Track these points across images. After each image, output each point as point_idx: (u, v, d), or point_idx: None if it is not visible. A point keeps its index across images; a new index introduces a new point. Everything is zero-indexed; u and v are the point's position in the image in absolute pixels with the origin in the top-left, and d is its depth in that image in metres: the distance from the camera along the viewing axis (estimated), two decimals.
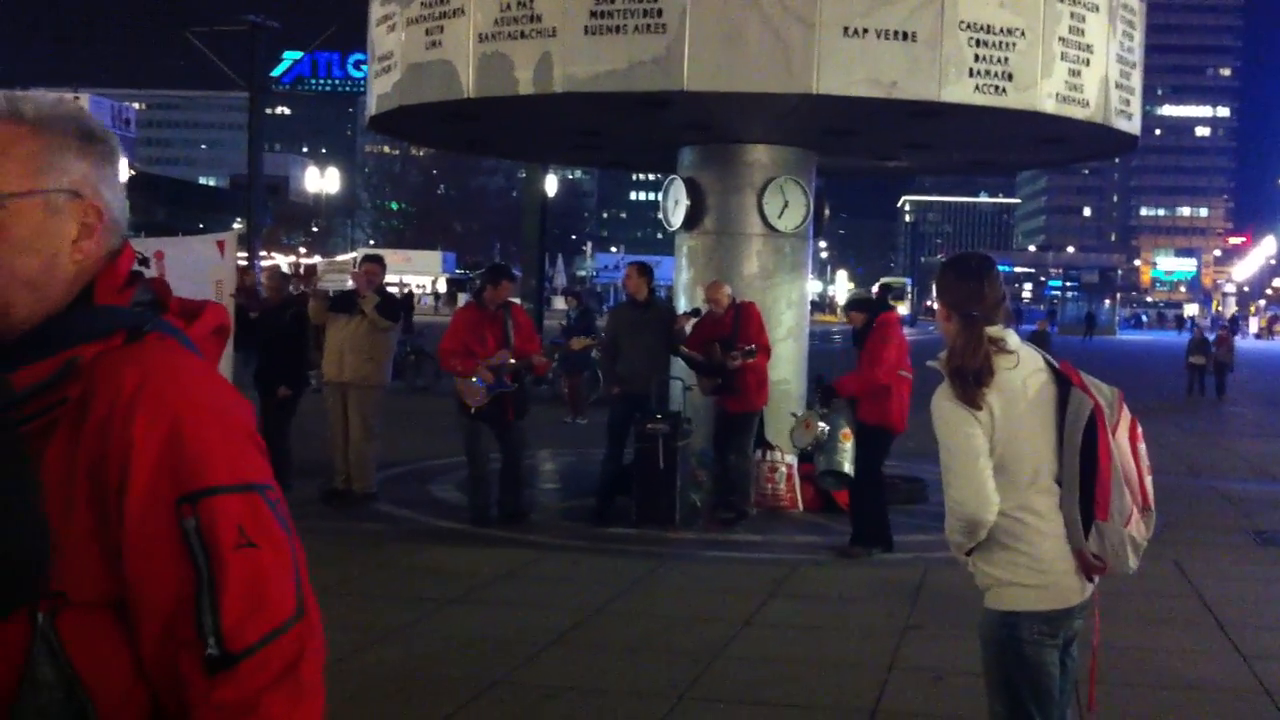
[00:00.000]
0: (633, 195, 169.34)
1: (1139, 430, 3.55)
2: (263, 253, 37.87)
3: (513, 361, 9.76)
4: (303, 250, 72.03)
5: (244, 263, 22.03)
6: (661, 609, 7.69)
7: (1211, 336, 28.97)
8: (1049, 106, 9.95)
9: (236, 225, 54.62)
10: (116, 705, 1.42)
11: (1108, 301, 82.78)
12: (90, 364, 1.44)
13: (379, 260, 11.63)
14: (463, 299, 67.91)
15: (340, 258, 42.42)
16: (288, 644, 1.42)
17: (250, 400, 1.58)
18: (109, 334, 1.47)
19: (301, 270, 14.05)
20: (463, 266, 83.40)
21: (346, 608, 7.30)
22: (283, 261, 53.37)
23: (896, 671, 6.45)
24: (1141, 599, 7.83)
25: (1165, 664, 6.79)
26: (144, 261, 1.58)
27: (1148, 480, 3.51)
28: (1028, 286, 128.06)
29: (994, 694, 3.60)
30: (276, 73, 57.21)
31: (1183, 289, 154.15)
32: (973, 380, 3.42)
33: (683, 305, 11.51)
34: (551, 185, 30.85)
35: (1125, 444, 3.48)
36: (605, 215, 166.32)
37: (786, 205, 11.41)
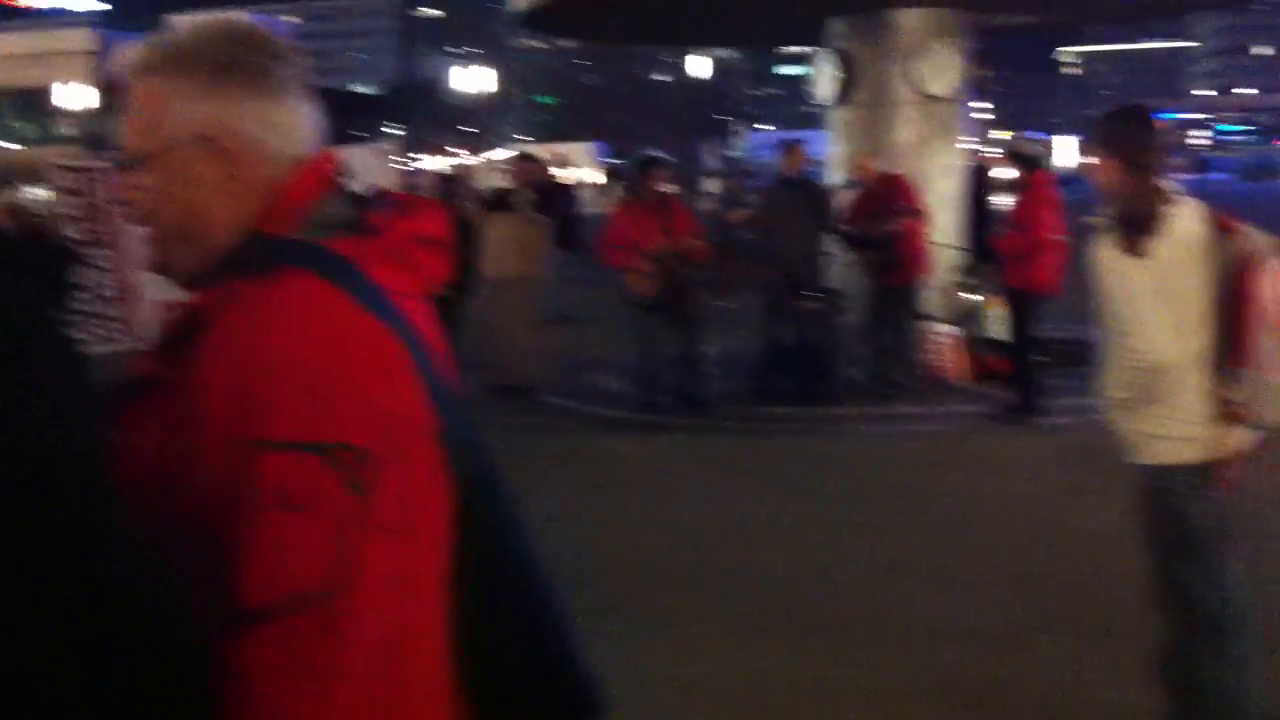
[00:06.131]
0: (781, 70, 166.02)
1: None
2: (422, 155, 38.44)
3: (674, 251, 9.81)
4: (460, 151, 72.81)
5: (407, 166, 22.44)
6: (826, 487, 7.76)
7: None
8: None
9: (396, 130, 55.60)
10: None
11: None
12: (210, 305, 1.40)
13: (534, 159, 11.85)
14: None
15: (497, 156, 42.89)
16: (305, 619, 1.28)
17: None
18: (240, 273, 1.41)
19: (459, 171, 14.34)
20: (617, 155, 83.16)
21: (531, 498, 7.56)
22: (443, 163, 54.17)
23: (1059, 535, 6.47)
24: None
25: None
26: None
27: None
28: (1201, 133, 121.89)
29: (1150, 550, 3.63)
30: None
31: None
32: (1140, 228, 3.42)
33: (838, 179, 11.42)
34: (702, 68, 30.57)
35: (1275, 293, 3.42)
36: (755, 94, 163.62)
37: (938, 70, 11.15)
